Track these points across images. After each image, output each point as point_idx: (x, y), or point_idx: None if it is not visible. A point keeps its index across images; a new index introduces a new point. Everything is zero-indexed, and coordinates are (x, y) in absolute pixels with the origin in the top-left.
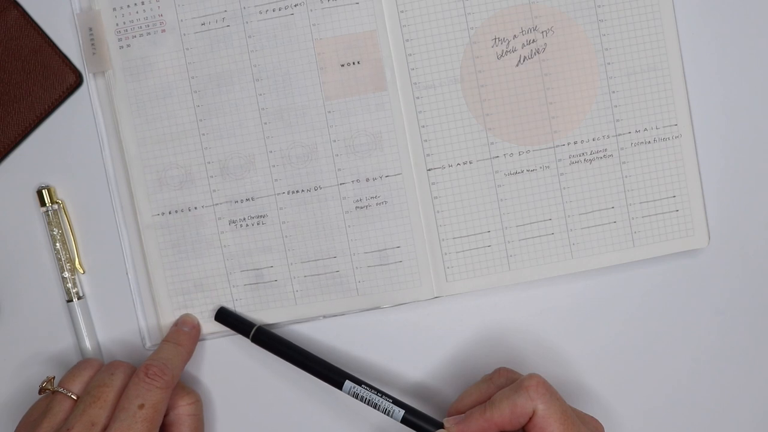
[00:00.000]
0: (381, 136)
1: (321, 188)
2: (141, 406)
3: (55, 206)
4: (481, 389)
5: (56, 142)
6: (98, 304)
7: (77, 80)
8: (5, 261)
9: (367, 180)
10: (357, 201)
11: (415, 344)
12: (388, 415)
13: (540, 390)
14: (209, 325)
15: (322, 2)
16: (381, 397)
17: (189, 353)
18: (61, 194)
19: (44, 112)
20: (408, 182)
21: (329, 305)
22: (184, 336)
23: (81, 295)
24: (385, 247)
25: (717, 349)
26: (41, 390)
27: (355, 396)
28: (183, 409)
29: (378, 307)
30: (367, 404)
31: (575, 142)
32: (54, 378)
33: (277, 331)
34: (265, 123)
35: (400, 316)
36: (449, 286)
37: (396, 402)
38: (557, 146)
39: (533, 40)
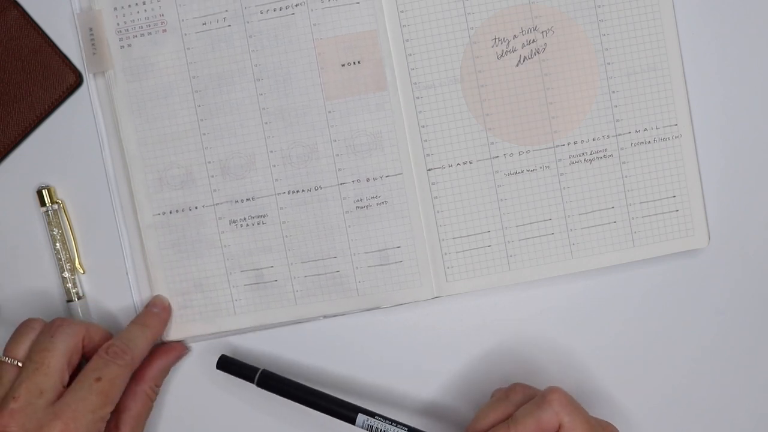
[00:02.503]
0: (381, 136)
1: (321, 188)
2: (97, 379)
3: (55, 206)
4: (499, 408)
5: (56, 142)
6: (98, 304)
7: (77, 80)
8: (5, 261)
9: (368, 180)
10: (357, 201)
11: (415, 344)
12: None
13: (563, 402)
14: (199, 327)
15: (322, 2)
16: (396, 426)
17: (155, 334)
18: (61, 194)
19: (44, 112)
20: (408, 182)
21: (329, 305)
22: (152, 317)
23: (81, 295)
24: (386, 247)
25: (717, 349)
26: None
27: (370, 429)
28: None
29: (378, 308)
30: None
31: (575, 142)
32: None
33: (280, 368)
34: (266, 123)
35: (400, 316)
36: (449, 286)
37: (411, 430)
38: (557, 146)
39: (533, 40)
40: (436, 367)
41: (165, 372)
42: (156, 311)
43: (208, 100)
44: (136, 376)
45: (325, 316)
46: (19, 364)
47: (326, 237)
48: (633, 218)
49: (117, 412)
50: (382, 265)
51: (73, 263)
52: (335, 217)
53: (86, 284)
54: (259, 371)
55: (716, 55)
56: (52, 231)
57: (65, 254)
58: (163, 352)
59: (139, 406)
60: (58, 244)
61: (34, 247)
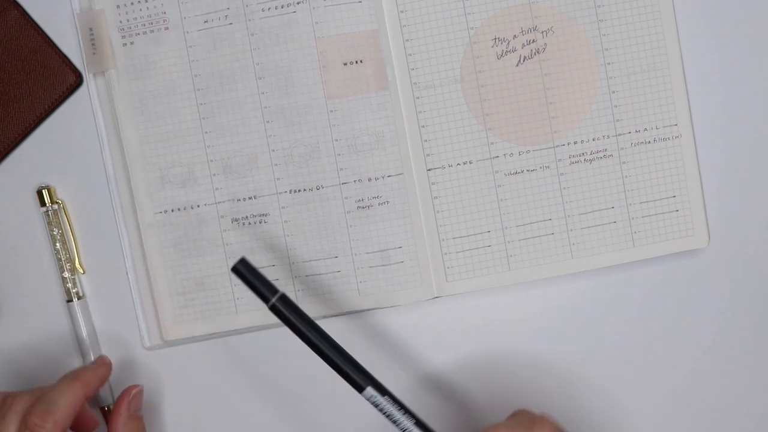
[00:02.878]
0: (383, 136)
1: (323, 188)
2: None
3: (55, 206)
4: None
5: (56, 142)
6: (98, 304)
7: (77, 80)
8: (5, 261)
9: (369, 180)
10: (359, 201)
11: (415, 344)
12: None
13: None
14: (200, 326)
15: (324, 0)
16: (403, 414)
17: (86, 390)
18: (61, 194)
19: (44, 112)
20: (409, 182)
21: (330, 305)
22: (87, 371)
23: (81, 295)
24: (387, 247)
25: (717, 348)
26: None
27: (375, 405)
28: None
29: (378, 308)
30: (386, 417)
31: (575, 142)
32: None
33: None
34: (268, 121)
35: (400, 316)
36: (449, 286)
37: (419, 423)
38: (557, 146)
39: (533, 40)
40: (436, 367)
41: (135, 422)
42: (93, 365)
43: (210, 98)
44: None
45: (325, 316)
46: None
47: (327, 237)
48: (633, 218)
49: None
50: (383, 265)
51: (73, 263)
52: (337, 216)
53: (86, 284)
54: (278, 294)
55: (716, 55)
56: (52, 231)
57: (65, 254)
58: (116, 410)
59: None
60: (58, 244)
61: (34, 247)
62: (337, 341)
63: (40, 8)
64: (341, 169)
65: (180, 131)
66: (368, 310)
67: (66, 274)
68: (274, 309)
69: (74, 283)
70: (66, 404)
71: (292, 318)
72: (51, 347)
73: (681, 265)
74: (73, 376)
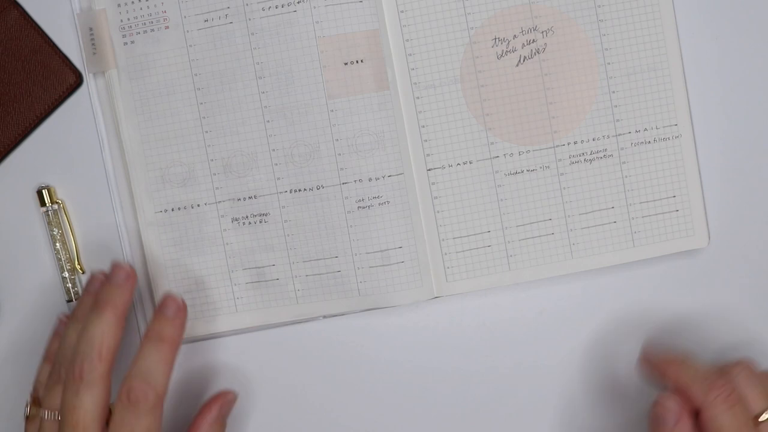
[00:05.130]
0: (384, 136)
1: (323, 187)
2: None
3: (55, 206)
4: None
5: (56, 142)
6: None
7: (77, 80)
8: (5, 261)
9: (370, 180)
10: (359, 201)
11: (415, 344)
12: None
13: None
14: (200, 326)
15: (325, 0)
16: None
17: (175, 348)
18: (61, 194)
19: (44, 112)
20: (409, 182)
21: (330, 305)
22: (167, 326)
23: (81, 295)
24: (388, 247)
25: (717, 348)
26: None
27: None
28: None
29: (378, 308)
30: None
31: (575, 142)
32: (36, 403)
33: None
34: (268, 121)
35: (400, 317)
36: (449, 286)
37: None
38: (557, 146)
39: (533, 40)
40: (436, 367)
41: (218, 426)
42: (169, 315)
43: (210, 97)
44: None
45: (325, 316)
46: (59, 418)
47: (328, 236)
48: (633, 218)
49: None
50: (383, 265)
51: (73, 263)
52: (337, 216)
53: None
54: None
55: (716, 55)
56: (52, 231)
57: (65, 254)
58: (207, 408)
59: None
60: (58, 244)
61: (34, 247)
62: None
63: (40, 8)
64: (342, 168)
65: (180, 130)
66: (368, 310)
67: (66, 274)
68: None
69: (74, 283)
70: (163, 374)
71: None
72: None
73: (681, 265)
74: (157, 336)
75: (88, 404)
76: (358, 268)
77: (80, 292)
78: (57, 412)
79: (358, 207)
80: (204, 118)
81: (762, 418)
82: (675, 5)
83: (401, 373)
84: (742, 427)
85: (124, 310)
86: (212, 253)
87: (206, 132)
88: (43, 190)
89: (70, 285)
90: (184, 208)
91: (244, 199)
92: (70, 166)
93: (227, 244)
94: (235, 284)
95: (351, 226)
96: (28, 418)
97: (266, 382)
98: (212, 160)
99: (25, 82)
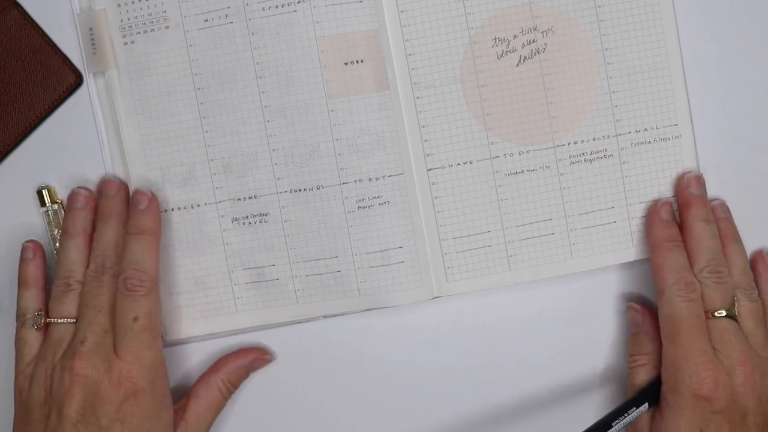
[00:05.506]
0: (384, 136)
1: (323, 187)
2: (135, 319)
3: (55, 206)
4: None
5: (56, 142)
6: None
7: (77, 80)
8: (5, 261)
9: (370, 180)
10: (359, 201)
11: (415, 344)
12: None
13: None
14: (200, 326)
15: (325, 0)
16: (626, 416)
17: (156, 236)
18: (61, 194)
19: (44, 112)
20: (409, 182)
21: (330, 305)
22: (144, 218)
23: None
24: (388, 247)
25: None
26: (23, 323)
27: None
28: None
29: (378, 308)
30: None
31: (575, 142)
32: (41, 312)
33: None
34: (268, 121)
35: (400, 316)
36: (449, 286)
37: (629, 405)
38: (557, 146)
39: (533, 40)
40: (436, 366)
41: (242, 372)
42: (143, 207)
43: (210, 97)
44: (211, 367)
45: (325, 316)
46: (73, 321)
47: (328, 237)
48: (633, 218)
49: (187, 398)
50: (384, 265)
51: None
52: (337, 216)
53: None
54: None
55: (716, 55)
56: (52, 231)
57: None
58: (243, 353)
59: (210, 397)
60: (58, 244)
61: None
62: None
63: (40, 8)
64: (342, 168)
65: (180, 130)
66: (368, 310)
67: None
68: None
69: None
70: (151, 261)
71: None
72: None
73: None
74: (138, 229)
75: (112, 287)
76: (359, 268)
77: None
78: (70, 318)
79: (359, 207)
80: (204, 117)
81: (717, 315)
82: (675, 5)
83: (401, 373)
84: (694, 316)
85: (125, 216)
86: (212, 253)
87: (206, 132)
88: (43, 190)
89: None
90: (184, 207)
91: (244, 199)
92: (70, 166)
93: (227, 244)
94: (235, 284)
95: (351, 226)
96: (23, 330)
97: (266, 382)
98: (212, 159)
99: (25, 82)
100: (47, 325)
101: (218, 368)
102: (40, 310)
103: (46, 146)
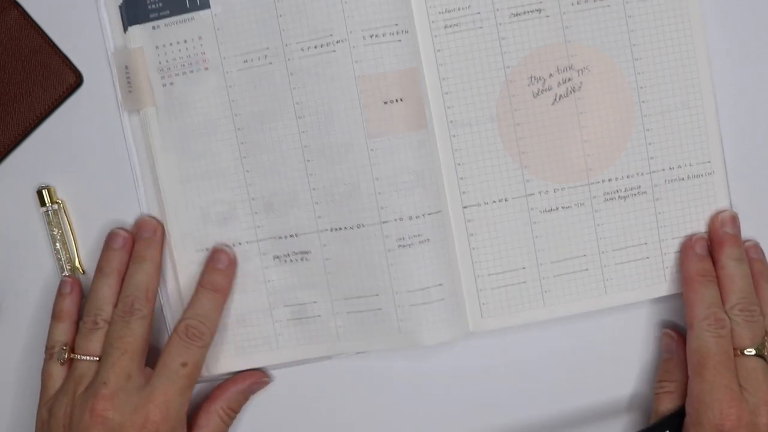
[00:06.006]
0: (423, 174)
1: (363, 226)
2: (184, 365)
3: (55, 206)
4: None
5: (56, 142)
6: None
7: (77, 80)
8: (5, 261)
9: (410, 218)
10: (399, 239)
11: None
12: None
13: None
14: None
15: (364, 39)
16: None
17: (226, 297)
18: (61, 194)
19: (44, 112)
20: (447, 220)
21: (371, 342)
22: (220, 278)
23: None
24: (428, 285)
25: None
26: (51, 356)
27: None
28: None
29: (417, 345)
30: None
31: (609, 180)
32: (66, 346)
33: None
34: (308, 160)
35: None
36: (484, 323)
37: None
38: (592, 183)
39: (569, 79)
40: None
41: (241, 397)
42: (221, 268)
43: (250, 137)
44: (210, 395)
45: (365, 352)
46: (96, 359)
47: (368, 275)
48: (665, 253)
49: (189, 428)
50: (424, 303)
51: (73, 263)
52: (377, 255)
53: (86, 284)
54: None
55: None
56: (52, 231)
57: (65, 254)
58: (241, 377)
59: (212, 426)
60: (58, 244)
61: (34, 247)
62: None
63: (40, 8)
64: (381, 207)
65: (221, 170)
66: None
67: (66, 274)
68: None
69: None
70: (215, 319)
71: None
72: None
73: None
74: (212, 286)
75: (138, 331)
76: (399, 306)
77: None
78: (94, 356)
79: (399, 245)
80: (245, 157)
81: (746, 353)
82: (708, 44)
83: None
84: (722, 352)
85: (160, 259)
86: (254, 291)
87: (247, 171)
88: (43, 190)
89: None
90: (225, 246)
91: (285, 237)
92: (69, 166)
93: (268, 281)
94: (276, 321)
95: (391, 264)
96: (50, 363)
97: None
98: (253, 198)
99: (25, 82)
100: (71, 361)
101: (217, 396)
102: (66, 344)
103: (46, 146)
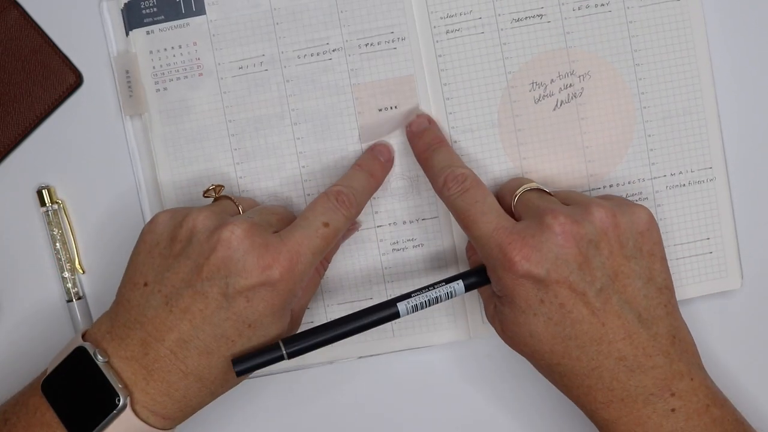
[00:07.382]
0: (418, 180)
1: (358, 230)
2: (325, 224)
3: (55, 206)
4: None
5: (56, 142)
6: (98, 304)
7: (77, 80)
8: (5, 261)
9: (404, 223)
10: (394, 243)
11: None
12: (452, 296)
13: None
14: None
15: (360, 47)
16: (436, 289)
17: (377, 187)
18: (61, 194)
19: (44, 112)
20: (444, 225)
21: (365, 347)
22: (379, 166)
23: (81, 295)
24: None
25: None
26: (207, 193)
27: (415, 309)
28: None
29: (412, 348)
30: (432, 305)
31: (611, 186)
32: (222, 186)
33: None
34: (303, 167)
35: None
36: (485, 327)
37: (449, 280)
38: (593, 189)
39: (570, 84)
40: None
41: (335, 248)
42: (382, 160)
43: (244, 143)
44: None
45: (361, 357)
46: (241, 208)
47: (363, 279)
48: (668, 259)
49: None
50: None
51: (73, 263)
52: (372, 259)
53: (86, 284)
54: (279, 344)
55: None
56: (52, 231)
57: (65, 254)
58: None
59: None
60: (58, 244)
61: (34, 247)
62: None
63: (40, 8)
64: (376, 212)
65: (214, 176)
66: (402, 350)
67: (66, 274)
68: (291, 354)
69: (74, 283)
70: (365, 200)
71: (308, 343)
72: (51, 347)
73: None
74: (369, 170)
75: (285, 215)
76: None
77: (80, 292)
78: (240, 204)
79: (393, 249)
80: (238, 163)
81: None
82: (710, 49)
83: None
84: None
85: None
86: None
87: (240, 177)
88: (43, 190)
89: (70, 285)
90: None
91: None
92: (69, 166)
93: None
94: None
95: (386, 268)
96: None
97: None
98: None
99: (25, 82)
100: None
101: None
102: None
103: (46, 146)
